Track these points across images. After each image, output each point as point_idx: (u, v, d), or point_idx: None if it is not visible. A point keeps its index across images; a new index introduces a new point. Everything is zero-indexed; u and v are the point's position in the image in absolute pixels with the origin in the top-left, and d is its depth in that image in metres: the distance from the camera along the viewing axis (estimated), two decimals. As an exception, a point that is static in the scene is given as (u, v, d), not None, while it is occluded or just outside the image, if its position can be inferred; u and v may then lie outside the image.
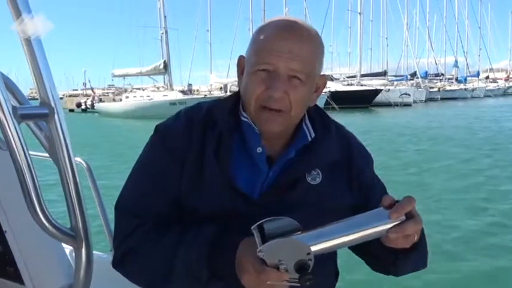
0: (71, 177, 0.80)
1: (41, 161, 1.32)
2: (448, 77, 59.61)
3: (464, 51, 64.18)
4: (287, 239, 0.79)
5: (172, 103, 25.93)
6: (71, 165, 0.79)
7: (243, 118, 1.02)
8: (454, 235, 5.68)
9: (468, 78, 58.13)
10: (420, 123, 21.67)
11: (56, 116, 0.76)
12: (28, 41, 0.72)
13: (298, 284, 0.78)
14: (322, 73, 1.04)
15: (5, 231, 1.41)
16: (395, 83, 44.29)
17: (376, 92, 36.65)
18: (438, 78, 56.95)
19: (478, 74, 61.77)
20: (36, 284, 1.45)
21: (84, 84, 49.56)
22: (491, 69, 73.70)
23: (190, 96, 30.20)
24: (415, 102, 37.69)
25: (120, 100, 35.62)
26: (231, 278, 0.87)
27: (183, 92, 33.61)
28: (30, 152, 0.76)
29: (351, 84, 40.95)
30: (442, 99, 44.86)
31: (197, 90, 41.34)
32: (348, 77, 46.45)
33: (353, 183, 1.06)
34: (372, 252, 1.00)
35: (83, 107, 42.69)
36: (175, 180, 0.99)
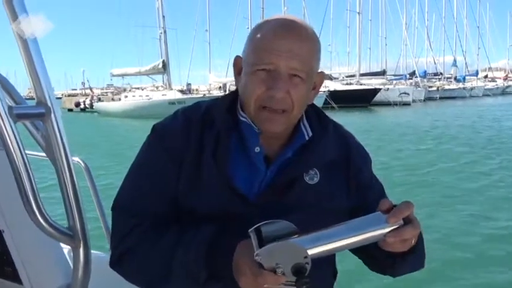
0: (68, 176, 0.80)
1: (40, 161, 1.32)
2: (446, 76, 59.65)
3: (463, 51, 64.31)
4: (284, 243, 0.79)
5: (171, 102, 25.91)
6: (68, 165, 0.79)
7: (241, 118, 1.02)
8: (458, 237, 5.64)
9: (467, 78, 58.23)
10: (421, 123, 21.64)
11: (52, 116, 0.76)
12: (24, 41, 0.72)
13: None
14: (320, 71, 1.04)
15: (3, 231, 1.40)
16: (394, 82, 44.33)
17: (375, 91, 36.69)
18: (437, 77, 56.99)
19: (476, 73, 61.83)
20: (34, 284, 1.44)
21: (83, 83, 49.51)
22: (489, 69, 73.77)
23: (189, 96, 30.18)
24: (414, 101, 37.71)
25: (119, 99, 35.60)
26: (229, 279, 0.86)
27: (182, 91, 33.59)
28: (27, 152, 0.76)
29: (350, 84, 41.04)
30: (440, 98, 44.89)
31: (196, 90, 41.35)
32: (347, 76, 46.54)
33: (351, 182, 1.06)
34: (370, 253, 0.99)
35: (82, 106, 42.67)
36: (173, 180, 0.99)
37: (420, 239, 0.95)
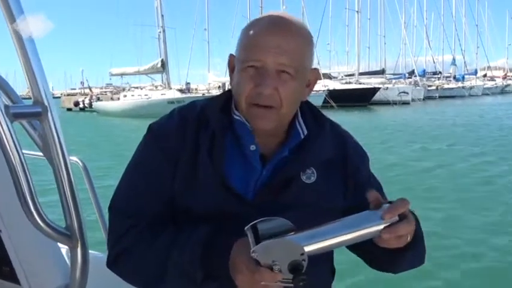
0: (65, 176, 0.79)
1: (40, 162, 1.31)
2: (445, 75, 59.74)
3: (461, 50, 64.46)
4: (281, 240, 0.79)
5: (170, 102, 25.87)
6: (65, 164, 0.79)
7: (235, 116, 1.02)
8: (463, 235, 5.64)
9: (466, 77, 58.31)
10: (421, 122, 21.65)
11: (49, 115, 0.76)
12: (21, 40, 0.72)
13: (292, 285, 0.78)
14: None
15: (0, 231, 1.40)
16: (393, 81, 44.42)
17: (375, 90, 36.72)
18: (436, 76, 57.03)
19: (475, 72, 61.99)
20: (32, 284, 1.44)
21: (82, 83, 49.49)
22: (488, 67, 73.77)
23: (188, 95, 30.15)
24: (413, 100, 37.74)
25: (118, 99, 35.59)
26: (226, 279, 0.86)
27: (181, 90, 33.57)
28: (24, 151, 0.76)
29: (349, 83, 41.06)
30: (440, 97, 44.94)
31: (195, 89, 41.37)
32: (346, 76, 46.60)
33: (349, 181, 1.06)
34: (368, 250, 0.99)
35: (81, 106, 42.63)
36: (169, 180, 0.99)
37: (419, 235, 0.95)
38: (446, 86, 50.59)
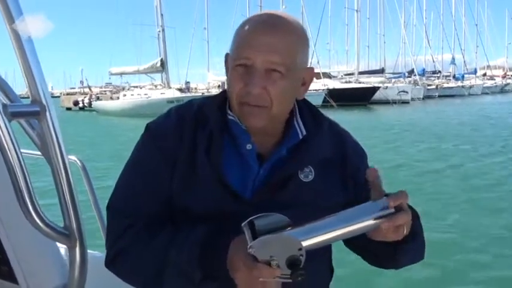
0: (63, 175, 0.79)
1: (38, 161, 1.31)
2: (445, 74, 59.66)
3: (461, 49, 64.47)
4: (278, 235, 0.78)
5: (170, 101, 25.85)
6: (64, 163, 0.79)
7: (229, 116, 1.01)
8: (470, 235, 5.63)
9: (465, 76, 58.27)
10: (422, 121, 21.61)
11: (47, 114, 0.76)
12: (19, 40, 0.72)
13: (291, 280, 0.77)
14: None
15: (-1, 231, 1.40)
16: (393, 80, 44.38)
17: (374, 89, 36.69)
18: (435, 75, 56.97)
19: (475, 72, 61.99)
20: (31, 284, 1.44)
21: (82, 82, 49.50)
22: (488, 67, 73.77)
23: (188, 94, 30.17)
24: (412, 99, 37.73)
25: (118, 98, 35.59)
26: (225, 278, 0.86)
27: (180, 90, 33.57)
28: (22, 151, 0.76)
29: (349, 82, 41.02)
30: (439, 96, 44.90)
31: (195, 88, 41.38)
32: (345, 75, 46.62)
33: (348, 181, 1.05)
34: (368, 247, 0.99)
35: (81, 105, 42.62)
36: (166, 179, 0.99)
37: (418, 229, 0.96)
38: (445, 85, 50.56)
